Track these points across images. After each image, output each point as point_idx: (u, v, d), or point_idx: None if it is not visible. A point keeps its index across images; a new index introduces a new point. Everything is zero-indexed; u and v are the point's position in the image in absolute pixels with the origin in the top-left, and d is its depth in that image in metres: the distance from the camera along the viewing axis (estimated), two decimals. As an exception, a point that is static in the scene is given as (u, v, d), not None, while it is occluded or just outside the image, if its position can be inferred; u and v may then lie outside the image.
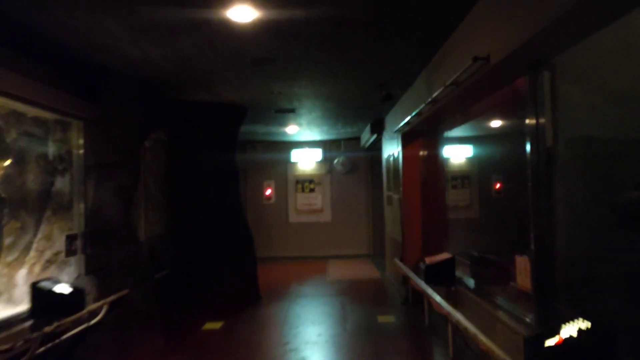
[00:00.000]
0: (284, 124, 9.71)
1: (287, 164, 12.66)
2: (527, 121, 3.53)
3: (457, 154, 7.10)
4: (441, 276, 5.21)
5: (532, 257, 3.52)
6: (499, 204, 5.92)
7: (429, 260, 5.30)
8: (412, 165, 7.36)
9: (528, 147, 3.55)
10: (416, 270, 6.56)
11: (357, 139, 12.11)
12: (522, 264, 3.73)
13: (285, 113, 8.33)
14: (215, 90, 6.55)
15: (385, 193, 9.25)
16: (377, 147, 10.99)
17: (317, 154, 12.55)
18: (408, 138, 7.34)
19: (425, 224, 7.30)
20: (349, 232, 12.50)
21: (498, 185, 5.95)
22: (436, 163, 7.25)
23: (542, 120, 3.44)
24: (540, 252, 3.46)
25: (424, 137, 7.32)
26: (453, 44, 4.44)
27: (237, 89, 6.50)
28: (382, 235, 11.58)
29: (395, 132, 7.49)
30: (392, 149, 8.39)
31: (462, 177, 7.06)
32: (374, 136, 9.73)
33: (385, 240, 9.61)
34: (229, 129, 7.77)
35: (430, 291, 5.08)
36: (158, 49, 4.72)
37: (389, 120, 8.71)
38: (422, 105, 5.36)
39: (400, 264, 7.17)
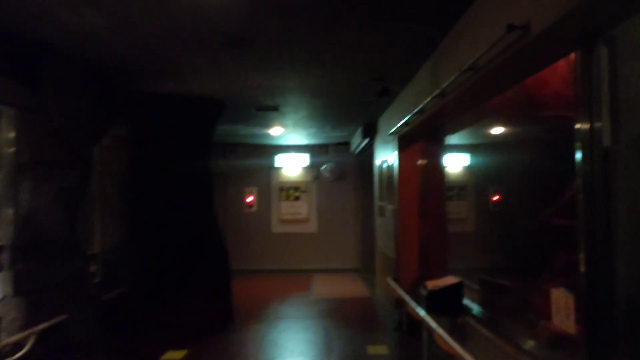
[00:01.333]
0: (267, 124, 8.80)
1: (271, 169, 11.75)
2: (577, 113, 2.67)
3: (460, 161, 6.25)
4: (446, 305, 4.32)
5: (583, 289, 2.64)
6: (512, 218, 5.07)
7: (431, 285, 4.41)
8: (410, 173, 6.49)
9: (578, 148, 2.68)
10: (414, 295, 5.67)
11: (347, 144, 11.24)
12: (562, 300, 2.86)
13: (267, 111, 7.43)
14: (184, 79, 5.64)
15: (377, 203, 8.37)
16: (368, 153, 10.13)
17: (304, 159, 11.65)
18: (405, 142, 6.48)
19: (423, 240, 6.41)
20: (336, 245, 11.60)
21: (510, 197, 5.11)
22: (436, 171, 6.38)
23: (598, 112, 2.58)
24: (594, 283, 2.59)
25: (423, 141, 6.45)
26: (473, 16, 3.57)
27: (210, 78, 5.59)
28: (371, 249, 10.69)
29: (391, 134, 6.61)
30: (385, 155, 7.52)
31: (464, 187, 6.22)
32: (366, 140, 8.86)
33: (375, 255, 8.71)
34: (203, 128, 6.84)
35: (433, 324, 4.18)
36: (102, 18, 3.80)
37: (383, 122, 7.85)
38: (427, 100, 4.49)
39: (394, 284, 6.27)
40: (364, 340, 6.00)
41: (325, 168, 11.43)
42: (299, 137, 10.37)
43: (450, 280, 4.43)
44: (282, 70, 5.27)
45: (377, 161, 8.36)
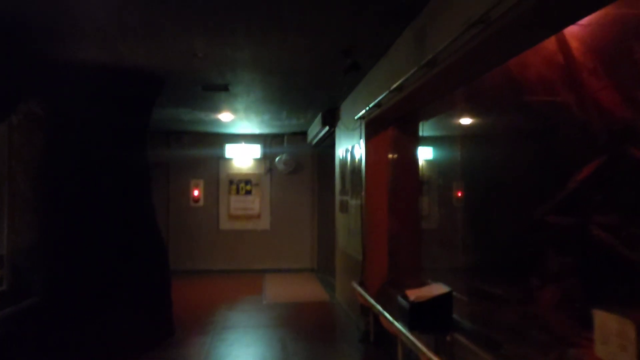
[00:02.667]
0: (216, 109, 7.83)
1: (219, 160, 10.75)
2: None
3: (437, 150, 5.57)
4: (432, 320, 3.57)
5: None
6: (486, 216, 4.42)
7: (413, 295, 3.65)
8: (378, 163, 5.73)
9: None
10: (383, 301, 4.93)
11: (304, 133, 10.40)
12: (613, 326, 2.14)
13: (216, 91, 6.48)
14: (113, 46, 4.62)
15: (338, 198, 7.59)
16: (327, 143, 9.34)
17: (256, 150, 10.72)
18: (374, 128, 5.71)
19: (393, 239, 5.68)
20: (290, 243, 10.75)
21: (485, 193, 4.44)
22: (408, 161, 5.66)
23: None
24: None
25: (394, 127, 5.72)
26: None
27: (145, 45, 4.60)
28: (329, 247, 9.93)
29: (357, 120, 5.83)
30: (349, 144, 6.74)
31: (427, 182, 5.54)
32: (325, 129, 8.05)
33: (335, 254, 7.93)
34: (138, 108, 5.82)
35: (418, 344, 3.42)
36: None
37: (346, 108, 7.06)
38: (410, 73, 3.72)
39: (361, 290, 5.50)
40: (327, 354, 5.22)
41: (279, 160, 10.55)
42: (250, 125, 9.44)
43: (436, 289, 3.69)
44: (234, 36, 4.37)
45: (339, 151, 7.58)
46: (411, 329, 3.59)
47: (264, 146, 10.73)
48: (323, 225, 10.39)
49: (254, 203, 10.74)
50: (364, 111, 5.40)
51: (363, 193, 5.79)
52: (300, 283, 9.43)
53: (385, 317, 4.33)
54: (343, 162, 7.19)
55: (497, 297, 3.96)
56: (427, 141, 5.63)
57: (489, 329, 3.57)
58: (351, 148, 6.56)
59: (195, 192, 10.63)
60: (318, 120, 8.31)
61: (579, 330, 3.10)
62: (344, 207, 7.02)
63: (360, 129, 5.87)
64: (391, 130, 5.72)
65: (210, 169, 10.71)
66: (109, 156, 5.40)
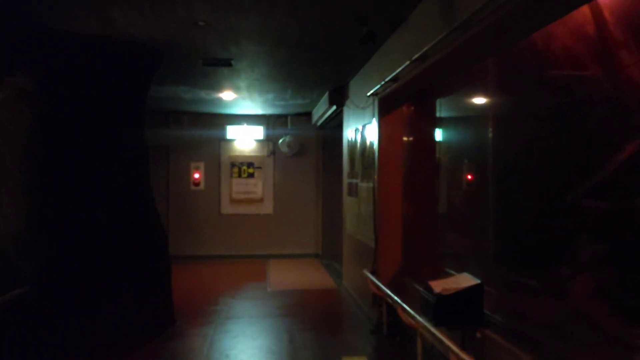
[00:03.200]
0: (218, 86, 7.42)
1: (221, 142, 10.35)
2: None
3: (454, 129, 5.18)
4: (461, 314, 3.22)
5: None
6: (525, 197, 4.03)
7: (439, 287, 3.29)
8: (392, 143, 5.34)
9: None
10: (397, 290, 4.58)
11: (308, 114, 9.98)
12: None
13: (218, 67, 6.06)
14: (108, 13, 4.21)
15: (346, 180, 7.21)
16: (333, 124, 8.95)
17: (258, 131, 10.32)
18: (388, 105, 5.31)
19: (408, 224, 5.32)
20: (294, 228, 10.40)
21: (503, 175, 4.06)
22: (425, 140, 5.28)
23: None
24: None
25: (409, 104, 5.33)
26: None
27: (140, 10, 4.18)
28: (334, 232, 9.60)
29: (370, 96, 5.43)
30: (359, 123, 6.34)
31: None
32: (332, 109, 7.65)
33: (343, 240, 7.59)
34: (134, 84, 5.40)
35: (446, 341, 3.07)
36: None
37: (356, 85, 6.65)
38: (438, 39, 3.32)
39: (374, 279, 5.16)
40: (338, 348, 4.88)
41: (283, 141, 10.15)
42: (253, 105, 9.03)
43: (464, 281, 3.33)
44: (240, 1, 3.95)
45: (347, 132, 7.18)
46: (437, 324, 3.23)
47: (267, 127, 10.32)
48: (328, 209, 10.04)
49: (256, 186, 10.37)
50: (378, 86, 5.00)
51: (375, 176, 5.41)
52: (305, 269, 9.11)
53: (404, 310, 3.98)
54: (352, 143, 6.80)
55: (530, 288, 3.61)
56: (443, 119, 5.23)
57: (524, 325, 3.22)
58: (362, 128, 6.17)
59: (196, 175, 10.26)
60: (325, 99, 7.90)
61: (627, 327, 2.76)
62: (353, 190, 6.65)
63: (373, 106, 5.47)
64: (406, 107, 5.33)
65: (212, 151, 10.32)
66: (103, 136, 5.01)
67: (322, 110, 8.32)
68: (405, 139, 5.34)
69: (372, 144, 5.60)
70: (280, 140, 10.17)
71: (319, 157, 10.33)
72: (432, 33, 3.49)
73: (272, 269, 9.01)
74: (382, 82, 4.77)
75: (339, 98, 7.45)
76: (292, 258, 10.18)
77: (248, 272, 8.81)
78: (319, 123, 9.45)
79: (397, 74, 4.39)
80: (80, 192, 4.82)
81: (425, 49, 3.58)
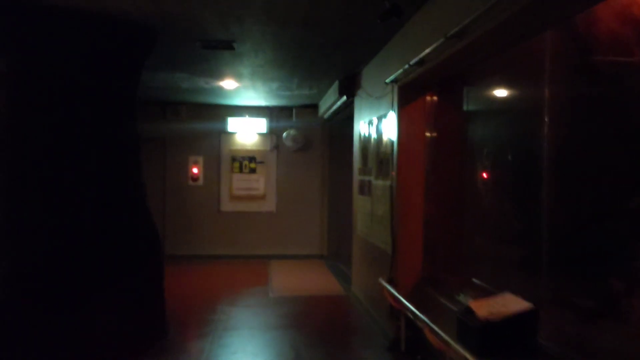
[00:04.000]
0: (218, 74, 6.82)
1: (222, 134, 9.74)
2: None
3: (485, 121, 4.59)
4: (510, 343, 2.64)
5: None
6: (567, 198, 3.45)
7: (483, 310, 2.70)
8: (414, 136, 4.75)
9: None
10: (424, 307, 4.01)
11: (314, 106, 9.38)
12: None
13: (218, 50, 5.46)
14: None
15: (358, 178, 6.62)
16: (342, 116, 8.36)
17: (261, 124, 9.71)
18: (410, 93, 4.71)
19: (431, 227, 4.74)
20: (297, 227, 9.81)
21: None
22: (452, 133, 4.69)
23: None
24: None
25: (433, 92, 4.73)
26: None
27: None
28: (340, 232, 9.04)
29: (390, 83, 4.83)
30: (374, 114, 5.75)
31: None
32: (342, 99, 7.05)
33: (352, 242, 7.00)
34: (124, 67, 4.79)
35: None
36: None
37: (370, 73, 6.06)
38: (486, 8, 2.72)
39: (391, 289, 4.57)
40: (351, 367, 4.30)
41: (287, 135, 9.55)
42: (256, 95, 8.43)
43: (511, 303, 2.75)
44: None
45: (359, 125, 6.58)
46: (481, 355, 2.65)
47: (271, 120, 9.72)
48: (334, 208, 9.45)
49: (258, 182, 9.78)
50: (400, 71, 4.40)
51: (394, 172, 4.82)
52: (309, 272, 8.53)
53: (433, 331, 3.39)
54: (365, 136, 6.21)
55: (585, 308, 3.03)
56: (473, 110, 4.64)
57: (586, 357, 2.64)
58: (377, 120, 5.58)
59: (194, 170, 9.67)
60: (334, 89, 7.30)
61: None
62: (366, 188, 6.05)
63: (392, 95, 4.87)
64: (430, 96, 4.73)
65: (211, 144, 9.72)
66: (88, 125, 4.40)
67: (330, 102, 7.72)
68: (428, 130, 4.74)
69: (389, 138, 5.01)
70: (285, 134, 9.57)
71: (325, 152, 9.73)
72: (473, 5, 2.89)
73: (274, 272, 8.43)
74: (406, 66, 4.17)
75: (350, 88, 6.85)
76: (295, 259, 9.61)
77: (248, 275, 8.24)
78: (326, 116, 8.86)
79: (424, 56, 3.79)
80: (60, 188, 4.23)
81: (466, 21, 2.98)
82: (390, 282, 4.75)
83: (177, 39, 5.08)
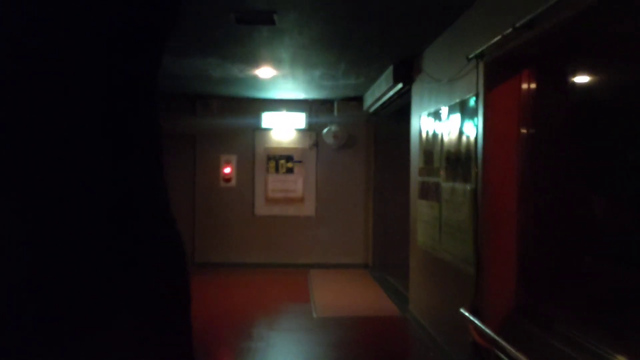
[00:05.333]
0: (253, 59, 5.92)
1: (256, 131, 8.86)
2: None
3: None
4: None
5: None
6: None
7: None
8: (505, 128, 3.72)
9: None
10: (511, 336, 2.99)
11: (359, 99, 8.40)
12: None
13: (256, 25, 4.55)
14: None
15: (417, 179, 5.61)
16: (392, 109, 7.38)
17: (300, 119, 8.80)
18: (501, 71, 3.69)
19: (529, 243, 3.70)
20: (339, 232, 8.85)
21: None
22: (556, 122, 3.64)
23: None
24: None
25: (531, 70, 3.69)
26: None
27: None
28: (387, 239, 8.08)
29: (473, 59, 3.82)
30: (442, 103, 4.73)
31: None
32: (397, 87, 6.06)
33: (410, 253, 5.98)
34: (139, 45, 3.90)
35: None
36: None
37: (435, 54, 5.05)
38: None
39: (478, 322, 3.56)
40: None
41: (328, 131, 8.60)
42: (295, 86, 7.51)
43: None
44: None
45: (420, 117, 5.57)
46: None
47: (310, 115, 8.79)
48: (380, 212, 8.45)
49: (296, 184, 8.85)
50: (494, 41, 3.38)
51: (478, 173, 3.80)
52: (355, 285, 7.56)
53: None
54: (427, 130, 5.19)
55: None
56: (585, 95, 3.59)
57: None
58: (447, 109, 4.56)
59: (227, 170, 8.81)
60: (386, 76, 6.31)
61: None
62: (431, 192, 5.04)
63: (476, 75, 3.85)
64: (526, 75, 3.70)
65: (245, 142, 8.85)
66: (93, 117, 3.53)
67: (380, 92, 6.73)
68: (523, 121, 3.71)
69: (470, 131, 3.99)
70: (325, 130, 8.63)
71: (370, 149, 8.73)
72: None
73: (315, 284, 7.49)
74: (508, 31, 3.15)
75: (407, 73, 5.85)
76: (337, 268, 8.65)
77: (287, 287, 7.33)
78: (372, 109, 7.88)
79: (539, 13, 2.77)
80: (57, 193, 3.36)
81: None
82: (474, 312, 3.73)
83: (207, 9, 4.18)
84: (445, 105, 4.63)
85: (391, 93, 6.42)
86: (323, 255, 8.79)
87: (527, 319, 3.57)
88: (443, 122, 4.68)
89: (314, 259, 8.77)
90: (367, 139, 8.76)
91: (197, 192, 8.71)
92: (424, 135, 5.36)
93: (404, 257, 7.23)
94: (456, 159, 4.31)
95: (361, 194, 8.83)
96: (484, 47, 3.56)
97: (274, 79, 6.94)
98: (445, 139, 4.59)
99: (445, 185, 4.57)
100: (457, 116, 4.31)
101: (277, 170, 8.83)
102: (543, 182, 3.63)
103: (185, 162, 8.68)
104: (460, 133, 4.22)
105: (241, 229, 8.77)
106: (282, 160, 8.84)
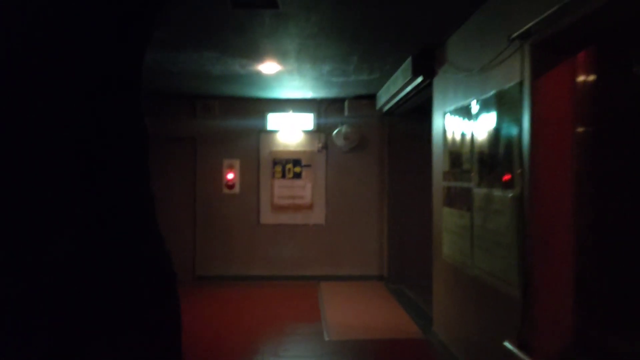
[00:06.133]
0: (256, 52, 5.31)
1: (261, 134, 8.25)
2: None
3: None
4: None
5: None
6: None
7: None
8: (558, 123, 3.08)
9: None
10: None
11: (371, 97, 7.77)
12: None
13: (256, 9, 3.94)
14: None
15: (441, 184, 4.96)
16: (408, 107, 6.78)
17: (307, 120, 8.18)
18: (552, 54, 3.05)
19: (588, 262, 3.05)
20: (351, 242, 8.21)
21: None
22: (623, 114, 3.00)
23: None
24: None
25: (587, 52, 3.05)
26: None
27: None
28: (404, 248, 7.50)
29: (515, 39, 3.18)
30: (471, 97, 4.10)
31: None
32: (417, 80, 5.43)
33: (434, 268, 5.33)
34: (121, 30, 3.31)
35: None
36: None
37: (462, 39, 4.42)
38: None
39: (526, 358, 2.91)
40: None
41: (338, 133, 7.99)
42: (302, 83, 6.90)
43: None
44: None
45: (443, 114, 4.93)
46: None
47: (318, 115, 8.17)
48: (396, 219, 7.82)
49: (304, 190, 8.23)
50: (544, 15, 2.75)
51: (525, 177, 3.15)
52: (370, 300, 6.91)
53: None
54: (454, 128, 4.55)
55: None
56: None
57: None
58: (479, 103, 3.92)
59: (230, 175, 8.20)
60: (403, 69, 5.68)
61: None
62: (460, 198, 4.39)
63: (521, 59, 3.20)
64: (585, 58, 3.06)
65: (249, 145, 8.24)
66: (63, 115, 2.93)
67: (396, 87, 6.10)
68: (581, 114, 3.07)
69: (511, 126, 3.35)
70: (335, 131, 8.01)
71: (384, 152, 8.09)
72: None
73: (326, 299, 6.85)
74: (559, 5, 2.51)
75: (428, 65, 5.22)
76: (349, 281, 8.01)
77: (295, 303, 6.70)
78: (386, 108, 7.25)
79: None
80: (22, 200, 2.76)
81: None
82: (522, 345, 3.08)
83: (199, -10, 3.58)
84: (476, 99, 3.99)
85: (409, 88, 5.79)
86: (334, 267, 8.15)
87: (588, 355, 2.92)
88: (474, 118, 4.03)
89: (324, 270, 8.13)
90: (381, 140, 8.12)
91: (197, 200, 8.11)
92: (449, 134, 4.72)
93: (422, 268, 6.64)
94: (492, 160, 3.67)
95: (375, 199, 8.19)
96: (530, 24, 2.93)
97: (278, 75, 6.33)
98: (478, 137, 3.94)
99: (479, 191, 3.93)
100: (493, 110, 3.67)
101: (283, 175, 8.21)
102: (606, 187, 2.98)
103: (185, 167, 8.10)
104: (498, 130, 3.58)
105: (245, 239, 8.16)
106: (289, 164, 8.22)
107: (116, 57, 2.72)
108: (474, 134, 4.03)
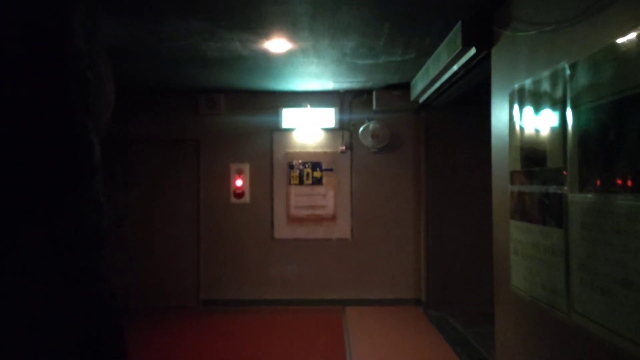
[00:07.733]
0: (257, 21, 4.11)
1: (274, 133, 7.07)
2: None
3: None
4: None
5: None
6: None
7: None
8: None
9: None
10: None
11: (405, 86, 6.51)
12: None
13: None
14: None
15: (509, 189, 3.64)
16: (452, 96, 5.50)
17: (328, 116, 6.97)
18: None
19: None
20: (381, 259, 6.93)
21: None
22: None
23: None
24: None
25: None
26: None
27: None
28: (445, 267, 6.23)
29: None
30: (555, 63, 2.79)
31: None
32: (468, 55, 4.16)
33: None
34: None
35: None
36: None
37: (540, -15, 3.13)
38: None
39: None
40: None
41: (365, 130, 6.75)
42: (320, 68, 5.69)
43: None
44: None
45: (513, 91, 3.62)
46: None
47: (341, 110, 6.96)
48: (436, 233, 6.52)
49: (326, 198, 7.00)
50: None
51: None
52: (407, 333, 5.62)
53: None
54: (527, 110, 3.25)
55: None
56: None
57: None
58: (575, 67, 2.62)
59: (238, 182, 7.03)
60: (450, 40, 4.41)
61: None
62: (537, 208, 3.09)
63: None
64: None
65: (260, 146, 7.07)
66: None
67: (438, 68, 4.84)
68: None
69: (650, 90, 2.05)
70: (362, 129, 6.77)
71: (420, 151, 6.80)
72: None
73: (352, 333, 5.59)
74: None
75: (483, 31, 3.95)
76: (380, 306, 6.75)
77: (315, 338, 5.48)
78: (422, 98, 5.99)
79: None
80: None
81: None
82: None
83: None
84: (572, 61, 2.69)
85: (456, 67, 4.52)
86: (362, 289, 6.88)
87: None
88: (568, 92, 2.73)
89: (350, 293, 6.87)
90: (417, 137, 6.84)
91: (201, 211, 6.96)
92: (519, 121, 3.42)
93: (470, 291, 5.57)
94: (608, 152, 2.36)
95: (410, 209, 6.89)
96: None
97: (290, 57, 5.13)
98: (578, 119, 2.64)
99: (580, 198, 2.62)
100: (605, 73, 2.37)
101: (301, 181, 7.00)
102: None
103: (187, 173, 7.00)
104: (619, 104, 2.28)
105: (257, 256, 6.96)
106: (308, 168, 7.01)
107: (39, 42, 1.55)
108: (567, 115, 2.73)
